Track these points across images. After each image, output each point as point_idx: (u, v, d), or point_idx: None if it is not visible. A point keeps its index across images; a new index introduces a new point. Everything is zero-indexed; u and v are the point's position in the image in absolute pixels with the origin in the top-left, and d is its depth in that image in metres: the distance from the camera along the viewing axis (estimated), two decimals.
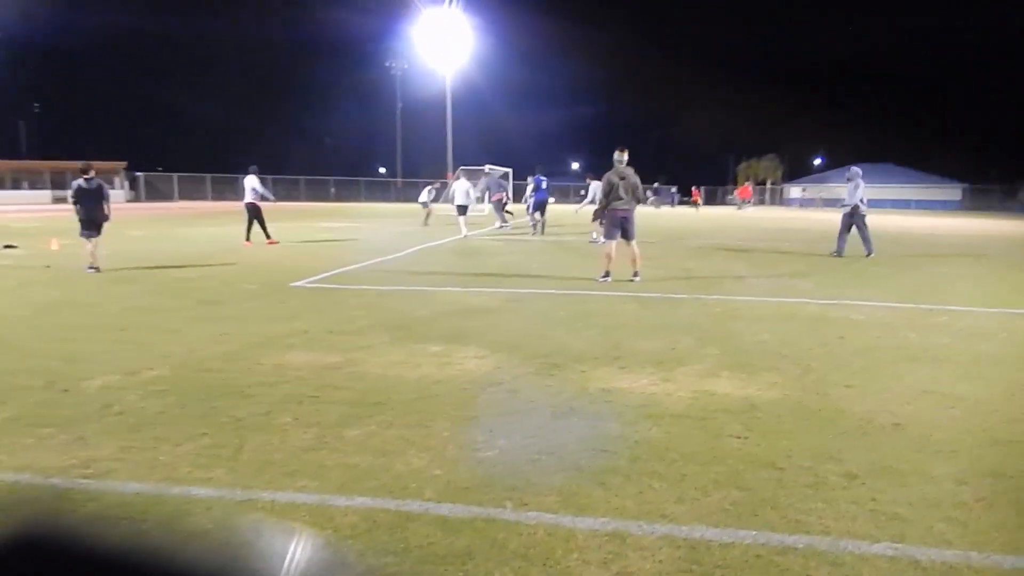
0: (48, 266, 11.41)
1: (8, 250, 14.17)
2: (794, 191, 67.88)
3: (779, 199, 67.82)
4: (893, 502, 3.16)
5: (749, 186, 53.83)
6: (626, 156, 10.19)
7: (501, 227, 21.28)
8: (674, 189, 55.05)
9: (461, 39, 60.83)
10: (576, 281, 10.36)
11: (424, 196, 24.33)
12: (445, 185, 26.24)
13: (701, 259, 14.28)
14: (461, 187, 19.81)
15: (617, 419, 4.24)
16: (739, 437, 3.96)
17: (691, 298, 8.89)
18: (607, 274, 10.26)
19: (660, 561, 2.66)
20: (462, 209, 19.45)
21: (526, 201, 20.69)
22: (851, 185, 14.61)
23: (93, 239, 10.94)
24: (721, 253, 15.65)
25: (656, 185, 52.01)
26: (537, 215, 19.54)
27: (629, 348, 6.06)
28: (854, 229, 14.46)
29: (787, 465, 3.57)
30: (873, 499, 3.18)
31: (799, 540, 2.82)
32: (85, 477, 3.34)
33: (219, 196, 53.75)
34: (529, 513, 3.03)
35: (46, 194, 46.04)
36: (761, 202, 54.96)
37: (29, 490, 3.20)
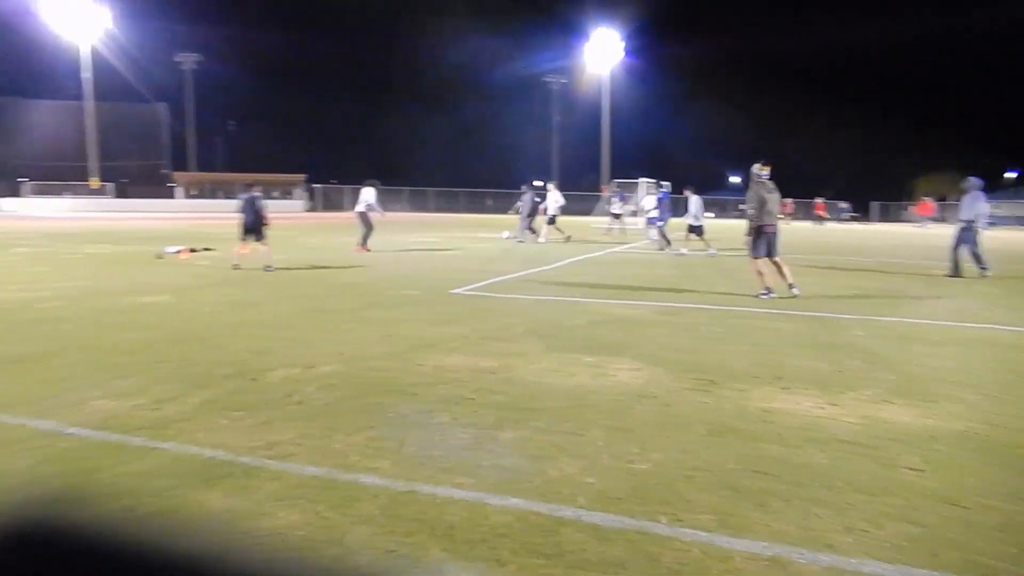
0: (237, 266, 12.63)
1: (207, 252, 15.92)
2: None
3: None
4: None
5: (929, 201, 49.32)
6: (767, 171, 9.77)
7: (520, 242, 21.26)
8: (843, 204, 51.75)
9: (617, 55, 60.95)
10: (730, 297, 10.01)
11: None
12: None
13: (872, 278, 13.32)
14: (552, 198, 22.10)
15: (777, 441, 4.06)
16: (915, 469, 3.66)
17: (860, 319, 8.32)
18: (768, 290, 9.84)
19: None
20: (551, 220, 21.96)
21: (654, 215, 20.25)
22: (967, 198, 13.30)
23: (262, 242, 12.92)
24: (896, 273, 14.52)
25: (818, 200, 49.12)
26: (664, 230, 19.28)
27: (791, 368, 5.78)
28: (968, 246, 13.27)
29: (972, 504, 3.26)
30: None
31: None
32: (269, 457, 3.67)
33: (386, 207, 57.03)
34: (684, 529, 2.97)
35: (238, 203, 51.16)
36: (943, 219, 49.94)
37: (222, 466, 3.57)
